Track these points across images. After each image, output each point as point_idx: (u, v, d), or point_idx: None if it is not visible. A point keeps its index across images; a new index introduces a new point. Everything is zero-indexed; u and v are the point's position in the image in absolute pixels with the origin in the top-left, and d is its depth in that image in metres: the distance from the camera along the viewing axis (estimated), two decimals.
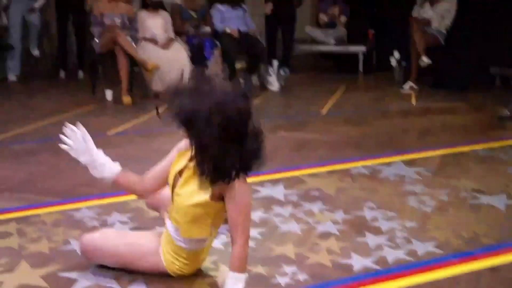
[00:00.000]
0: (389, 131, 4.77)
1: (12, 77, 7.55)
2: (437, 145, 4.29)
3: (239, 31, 6.65)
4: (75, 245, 2.54)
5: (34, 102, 6.20)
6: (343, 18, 8.08)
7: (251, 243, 2.60)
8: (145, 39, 6.37)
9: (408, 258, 2.48)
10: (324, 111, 5.66)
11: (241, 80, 6.59)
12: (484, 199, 3.17)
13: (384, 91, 6.82)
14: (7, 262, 2.41)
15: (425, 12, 6.94)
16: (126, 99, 5.92)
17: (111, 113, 5.61)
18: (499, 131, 4.81)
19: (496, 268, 2.40)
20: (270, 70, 6.91)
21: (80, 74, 7.81)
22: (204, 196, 2.08)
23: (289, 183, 3.45)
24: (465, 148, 4.21)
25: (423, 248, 2.57)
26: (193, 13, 6.70)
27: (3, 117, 5.36)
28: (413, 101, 6.12)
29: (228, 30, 6.60)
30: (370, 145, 4.36)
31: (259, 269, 2.38)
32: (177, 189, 2.16)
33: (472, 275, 2.34)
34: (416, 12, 7.03)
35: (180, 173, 2.18)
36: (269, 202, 3.14)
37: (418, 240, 2.65)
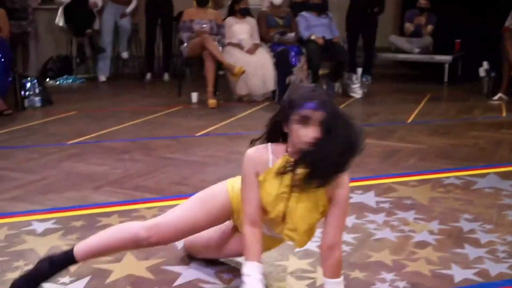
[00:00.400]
0: (480, 143, 4.64)
1: (102, 77, 7.93)
2: None
3: (324, 38, 6.68)
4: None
5: (125, 101, 6.46)
6: (429, 27, 7.94)
7: (346, 248, 2.61)
8: (232, 44, 6.52)
9: (511, 272, 2.41)
10: (410, 120, 5.58)
11: (324, 87, 6.60)
12: None
13: (471, 101, 6.64)
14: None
15: None
16: (212, 101, 6.05)
17: (198, 115, 5.75)
18: None
19: None
20: (354, 77, 6.88)
21: (166, 76, 8.08)
22: (319, 211, 2.02)
23: (380, 190, 3.43)
24: None
25: None
26: (279, 20, 6.77)
27: (98, 116, 5.62)
28: (504, 113, 5.92)
29: (313, 37, 6.64)
30: (460, 156, 4.25)
31: (357, 274, 2.38)
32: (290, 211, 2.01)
33: None
34: (509, 23, 6.81)
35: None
36: (361, 209, 3.13)
37: None
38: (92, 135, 4.77)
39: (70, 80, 7.79)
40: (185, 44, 6.39)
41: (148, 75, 8.06)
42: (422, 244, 2.68)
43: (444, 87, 7.72)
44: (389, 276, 2.37)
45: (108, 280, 2.30)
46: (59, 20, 7.80)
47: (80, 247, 2.10)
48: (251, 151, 2.02)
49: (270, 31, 6.73)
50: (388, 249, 2.63)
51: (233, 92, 6.56)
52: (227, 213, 2.16)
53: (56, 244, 2.65)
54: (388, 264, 2.48)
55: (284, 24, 6.77)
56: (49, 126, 5.17)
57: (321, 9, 6.94)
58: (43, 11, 8.10)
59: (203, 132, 4.95)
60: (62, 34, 8.06)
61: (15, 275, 2.24)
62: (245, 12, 6.70)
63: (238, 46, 6.50)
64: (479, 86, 7.19)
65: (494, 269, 2.43)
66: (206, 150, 4.35)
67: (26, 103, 5.93)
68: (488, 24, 7.54)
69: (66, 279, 2.29)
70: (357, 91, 6.83)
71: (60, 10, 7.75)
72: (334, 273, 2.01)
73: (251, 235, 1.98)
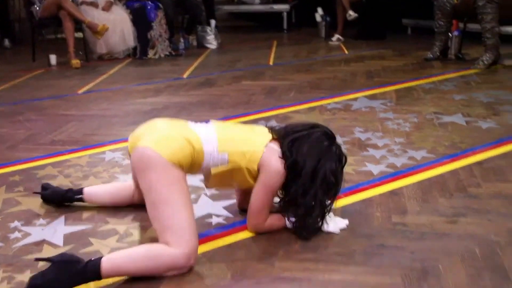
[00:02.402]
0: (338, 75, 5.30)
1: None
2: (387, 82, 4.89)
3: None
4: None
5: None
6: None
7: None
8: (86, 3, 6.43)
9: (410, 162, 3.01)
10: (271, 63, 6.10)
11: (181, 40, 6.84)
12: (446, 119, 3.78)
13: (313, 44, 7.38)
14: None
15: None
16: (75, 61, 5.98)
17: (66, 75, 5.67)
18: (430, 69, 5.50)
19: (481, 162, 2.99)
20: (208, 29, 7.20)
21: (6, 42, 7.64)
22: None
23: (279, 119, 3.87)
24: (411, 83, 4.84)
25: (418, 154, 3.11)
26: None
27: None
28: (346, 51, 6.71)
29: None
30: (328, 86, 4.86)
31: None
32: None
33: (466, 168, 2.91)
34: None
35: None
36: None
37: (412, 150, 3.19)
38: None
39: None
40: (36, 6, 6.16)
41: None
42: None
43: (284, 34, 8.38)
44: None
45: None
46: None
47: (107, 265, 1.85)
48: (281, 166, 2.14)
49: None
50: None
51: (92, 51, 6.51)
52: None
53: (3, 197, 2.68)
54: None
55: None
56: None
57: None
58: None
59: (84, 89, 4.96)
60: None
61: None
62: None
63: (93, 4, 6.43)
64: (316, 30, 7.97)
65: (398, 161, 3.02)
66: (99, 104, 4.43)
67: None
68: None
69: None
70: (212, 42, 7.17)
71: None
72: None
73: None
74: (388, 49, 6.69)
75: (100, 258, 1.87)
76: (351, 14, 7.19)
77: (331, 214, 2.27)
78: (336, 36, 7.40)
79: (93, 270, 1.84)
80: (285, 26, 8.48)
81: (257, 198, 2.19)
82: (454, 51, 5.92)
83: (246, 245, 2.19)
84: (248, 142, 2.18)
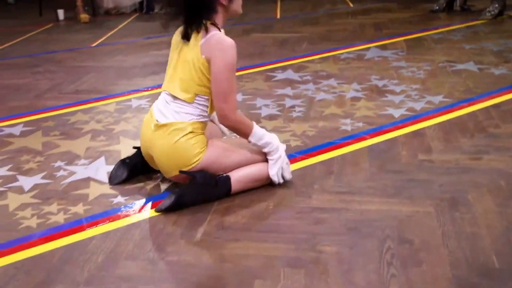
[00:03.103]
0: (348, 28, 5.36)
1: None
2: (396, 34, 4.96)
3: None
4: None
5: None
6: None
7: (300, 108, 3.14)
8: None
9: (429, 106, 3.12)
10: (279, 16, 6.14)
11: None
12: (460, 66, 3.88)
13: None
14: None
15: None
16: (84, 16, 5.99)
17: (76, 29, 5.69)
18: (437, 20, 5.56)
19: (497, 104, 3.11)
20: None
21: None
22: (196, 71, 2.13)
23: (295, 68, 3.96)
24: (420, 34, 4.92)
25: (436, 99, 3.22)
26: None
27: None
28: (351, 4, 6.74)
29: None
30: (339, 38, 4.92)
31: (323, 123, 2.92)
32: None
33: (483, 111, 3.03)
34: None
35: None
36: (290, 82, 3.64)
37: (429, 95, 3.29)
38: None
39: None
40: None
41: None
42: (355, 99, 3.29)
43: None
44: (346, 121, 2.94)
45: None
46: None
47: (235, 185, 2.17)
48: (231, 40, 2.09)
49: None
50: (332, 105, 3.20)
51: (99, 6, 6.50)
52: None
53: (42, 140, 2.78)
54: (340, 113, 3.05)
55: None
56: None
57: None
58: None
59: (97, 43, 5.00)
60: None
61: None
62: None
63: None
64: None
65: (417, 105, 3.13)
66: (115, 57, 4.49)
67: None
68: None
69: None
70: None
71: None
72: (237, 133, 2.23)
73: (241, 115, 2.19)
74: (392, 2, 6.72)
75: (229, 179, 2.16)
76: None
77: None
78: None
79: (225, 189, 2.16)
80: None
81: (220, 80, 2.08)
82: (459, 3, 5.98)
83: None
84: None
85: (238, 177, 2.19)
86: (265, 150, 2.21)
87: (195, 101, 2.13)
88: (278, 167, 2.22)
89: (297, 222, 2.00)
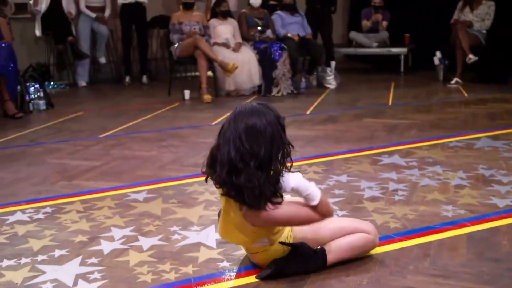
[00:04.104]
0: (460, 116, 5.39)
1: (82, 83, 8.18)
2: (510, 125, 4.92)
3: (299, 36, 7.33)
4: None
5: (120, 102, 6.81)
6: (385, 23, 8.74)
7: (403, 192, 3.23)
8: (218, 44, 7.01)
9: None
10: (390, 103, 6.30)
11: (303, 79, 7.23)
12: None
13: (432, 86, 7.48)
14: None
15: (465, 15, 7.68)
16: (207, 97, 6.53)
17: (199, 109, 6.21)
18: None
19: None
20: (328, 70, 7.56)
21: (144, 79, 8.43)
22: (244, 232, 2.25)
23: (402, 154, 4.06)
24: None
25: None
26: (258, 20, 7.33)
27: (106, 114, 5.96)
28: (465, 94, 6.76)
29: (289, 35, 7.27)
30: (449, 126, 4.97)
31: (424, 208, 2.98)
32: None
33: None
34: (457, 16, 7.77)
35: None
36: (395, 167, 3.75)
37: None
38: (117, 129, 5.14)
39: (50, 87, 7.98)
40: (176, 45, 6.83)
41: (127, 78, 8.38)
42: (460, 186, 3.33)
43: (401, 77, 8.53)
44: (448, 207, 2.99)
45: None
46: (37, 30, 7.96)
47: (331, 257, 2.29)
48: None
49: (250, 30, 7.28)
50: (435, 191, 3.26)
51: (221, 88, 7.05)
52: None
53: (161, 206, 3.09)
54: (443, 200, 3.11)
55: (263, 24, 7.34)
56: (69, 124, 5.47)
57: (293, 9, 7.58)
58: (16, 20, 8.22)
59: (217, 121, 5.43)
60: (39, 43, 8.21)
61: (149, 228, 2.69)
62: (226, 14, 7.23)
63: (225, 45, 7.01)
64: (434, 74, 8.07)
65: None
66: None
67: (31, 106, 6.16)
68: (436, 18, 8.48)
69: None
70: (331, 82, 7.51)
71: (37, 19, 7.91)
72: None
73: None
74: (510, 93, 6.66)
75: (324, 251, 2.29)
76: (471, 57, 7.25)
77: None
78: (455, 79, 7.47)
79: (322, 262, 2.28)
80: (402, 69, 8.64)
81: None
82: None
83: (378, 259, 2.41)
84: None
85: (333, 248, 2.32)
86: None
87: None
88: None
89: None
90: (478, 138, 4.47)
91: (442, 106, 6.02)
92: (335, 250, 2.32)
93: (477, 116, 5.38)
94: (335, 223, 2.39)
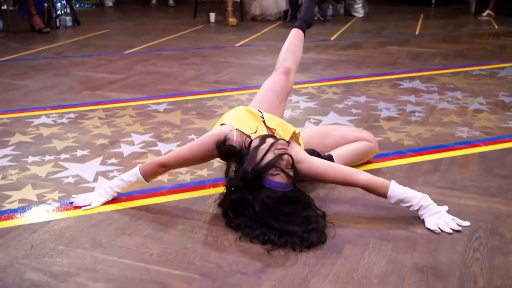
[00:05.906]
0: (486, 47, 5.30)
1: (109, 3, 8.18)
2: None
3: None
4: None
5: (146, 22, 6.81)
6: None
7: (420, 114, 3.24)
8: None
9: None
10: (417, 32, 6.20)
11: (330, 7, 7.12)
12: None
13: (462, 18, 7.31)
14: None
15: None
16: (232, 20, 6.49)
17: (224, 31, 6.20)
18: None
19: None
20: None
21: (171, 1, 8.39)
22: None
23: (423, 80, 4.05)
24: None
25: None
26: None
27: (131, 32, 5.98)
28: (496, 26, 6.60)
29: None
30: (475, 56, 4.90)
31: (440, 128, 3.01)
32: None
33: None
34: None
35: None
36: (415, 91, 3.75)
37: None
38: (141, 47, 5.19)
39: (77, 5, 8.00)
40: None
41: (154, 0, 8.35)
42: (478, 111, 3.33)
43: (432, 9, 8.34)
44: (464, 129, 3.01)
45: None
46: None
47: (337, 162, 2.29)
48: None
49: None
50: (453, 114, 3.27)
51: (247, 12, 6.99)
52: None
53: (181, 117, 3.17)
54: (459, 122, 3.12)
55: None
56: (95, 41, 5.53)
57: None
58: None
59: (240, 43, 5.43)
60: None
61: (167, 131, 2.77)
62: None
63: None
64: (466, 7, 7.86)
65: None
66: (255, 56, 4.87)
67: (58, 22, 6.21)
68: None
69: None
70: (359, 11, 7.38)
71: None
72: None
73: None
74: None
75: (332, 157, 2.32)
76: None
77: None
78: (487, 11, 7.27)
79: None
80: (433, 0, 8.43)
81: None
82: None
83: (388, 169, 2.47)
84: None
85: (339, 154, 2.40)
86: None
87: None
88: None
89: (395, 206, 2.15)
90: (503, 68, 4.41)
91: (470, 37, 5.91)
92: (340, 156, 2.39)
93: (505, 47, 5.28)
94: (338, 131, 2.50)
